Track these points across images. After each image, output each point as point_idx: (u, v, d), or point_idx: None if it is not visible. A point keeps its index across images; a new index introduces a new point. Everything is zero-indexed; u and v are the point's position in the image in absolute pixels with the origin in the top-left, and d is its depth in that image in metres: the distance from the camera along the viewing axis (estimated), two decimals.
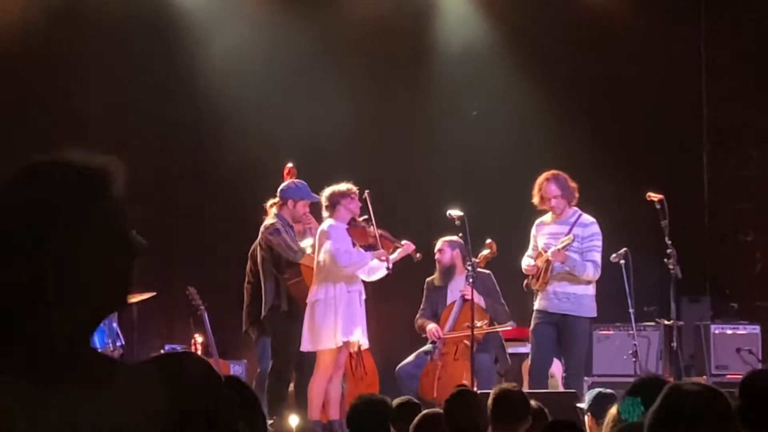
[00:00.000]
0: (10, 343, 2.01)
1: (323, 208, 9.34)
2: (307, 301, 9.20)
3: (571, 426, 4.65)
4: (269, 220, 9.53)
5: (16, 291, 2.02)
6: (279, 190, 9.62)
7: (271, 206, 9.70)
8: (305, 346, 9.20)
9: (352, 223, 9.35)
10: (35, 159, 2.13)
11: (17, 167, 2.13)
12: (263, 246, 9.54)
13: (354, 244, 9.29)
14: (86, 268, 2.06)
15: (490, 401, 5.75)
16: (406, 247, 9.49)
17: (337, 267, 9.05)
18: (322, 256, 9.12)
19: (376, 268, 9.41)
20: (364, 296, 9.27)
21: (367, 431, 5.56)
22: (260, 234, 9.57)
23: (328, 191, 9.34)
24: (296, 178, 9.77)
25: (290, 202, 9.54)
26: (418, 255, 9.62)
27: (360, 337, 9.19)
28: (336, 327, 9.05)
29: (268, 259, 9.52)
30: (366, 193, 9.44)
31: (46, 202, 2.07)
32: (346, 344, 9.17)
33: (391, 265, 9.33)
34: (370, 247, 9.36)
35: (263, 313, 9.55)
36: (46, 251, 2.03)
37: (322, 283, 9.14)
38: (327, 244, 9.10)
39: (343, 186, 9.34)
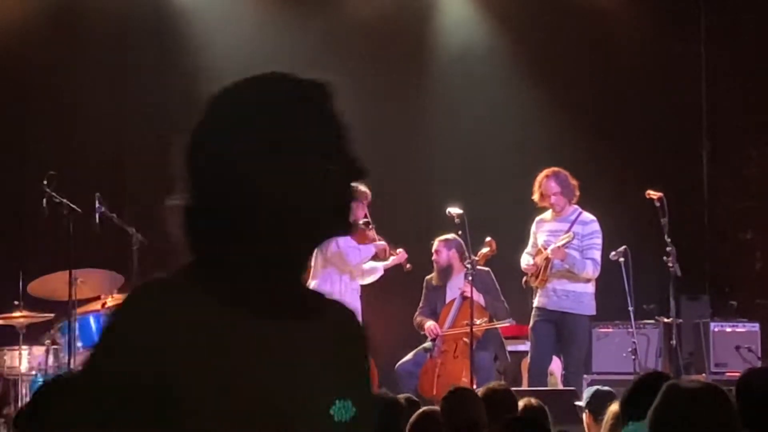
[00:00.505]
0: (233, 275, 1.97)
1: None
2: None
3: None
4: None
5: (243, 212, 1.94)
6: None
7: None
8: None
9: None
10: (259, 75, 2.02)
11: (240, 81, 2.01)
12: None
13: None
14: (311, 185, 1.95)
15: None
16: (400, 255, 9.67)
17: (347, 264, 9.10)
18: (330, 253, 9.14)
19: (370, 272, 9.45)
20: (359, 294, 9.30)
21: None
22: None
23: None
24: None
25: None
26: (408, 266, 9.81)
27: None
28: None
29: None
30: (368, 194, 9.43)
31: (273, 112, 1.96)
32: None
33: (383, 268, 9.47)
34: None
35: None
36: (273, 167, 1.93)
37: (326, 277, 9.13)
38: (338, 241, 9.11)
39: (360, 187, 9.31)
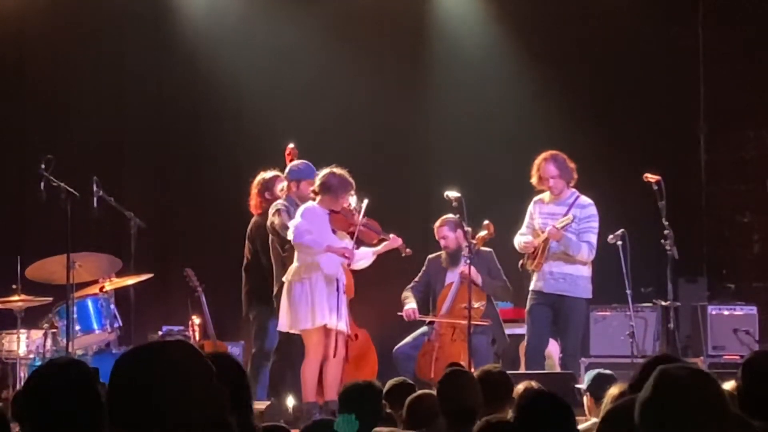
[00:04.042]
0: None
1: (320, 187, 9.09)
2: (284, 279, 9.08)
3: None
4: (277, 202, 9.51)
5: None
6: (285, 172, 9.59)
7: (281, 191, 9.68)
8: (282, 326, 9.09)
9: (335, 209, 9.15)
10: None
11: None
12: (271, 229, 9.48)
13: (334, 231, 9.13)
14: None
15: None
16: (393, 240, 9.31)
17: (293, 241, 8.92)
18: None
19: (359, 257, 9.28)
20: (344, 281, 9.07)
21: (358, 416, 5.55)
22: (269, 217, 9.49)
23: (343, 174, 9.08)
24: (297, 159, 9.72)
25: (293, 184, 9.51)
26: (407, 250, 9.43)
27: (335, 323, 8.95)
28: (312, 307, 8.88)
29: (276, 241, 9.47)
30: (365, 202, 9.21)
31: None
32: (329, 328, 8.99)
33: (353, 261, 9.11)
34: (351, 235, 9.21)
35: (274, 291, 9.44)
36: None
37: (299, 263, 9.01)
38: (294, 220, 8.99)
39: (345, 177, 9.09)
